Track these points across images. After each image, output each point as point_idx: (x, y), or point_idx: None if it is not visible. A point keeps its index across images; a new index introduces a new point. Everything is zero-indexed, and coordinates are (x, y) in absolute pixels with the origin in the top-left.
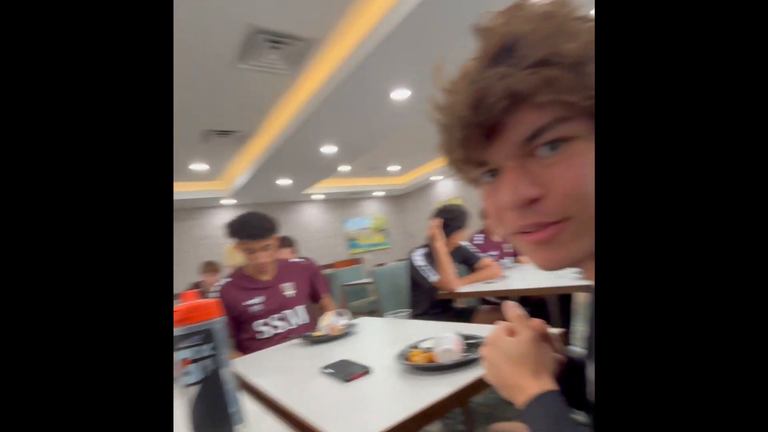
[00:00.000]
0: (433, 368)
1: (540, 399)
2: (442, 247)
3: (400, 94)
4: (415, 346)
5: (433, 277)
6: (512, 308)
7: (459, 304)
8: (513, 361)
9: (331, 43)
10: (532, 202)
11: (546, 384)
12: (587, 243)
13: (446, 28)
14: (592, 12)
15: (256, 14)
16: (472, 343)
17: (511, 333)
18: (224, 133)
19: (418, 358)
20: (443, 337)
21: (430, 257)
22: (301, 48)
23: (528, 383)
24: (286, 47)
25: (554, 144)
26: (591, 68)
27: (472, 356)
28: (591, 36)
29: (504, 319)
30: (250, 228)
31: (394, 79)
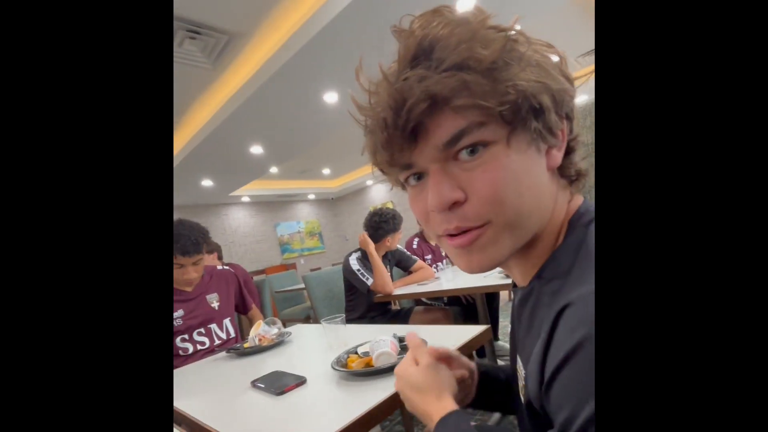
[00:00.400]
0: (371, 373)
1: (443, 422)
2: (374, 252)
3: (331, 97)
4: (352, 352)
5: (368, 281)
6: (411, 338)
7: (395, 306)
8: (417, 390)
9: (256, 40)
10: (455, 205)
11: (447, 405)
12: (506, 246)
13: (375, 30)
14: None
15: None
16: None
17: (416, 362)
18: None
19: (356, 364)
20: (379, 340)
21: (365, 261)
22: (223, 42)
23: (433, 408)
24: (205, 38)
25: (474, 148)
26: (504, 75)
27: None
28: (503, 44)
29: (438, 320)
30: (184, 243)
31: (323, 81)
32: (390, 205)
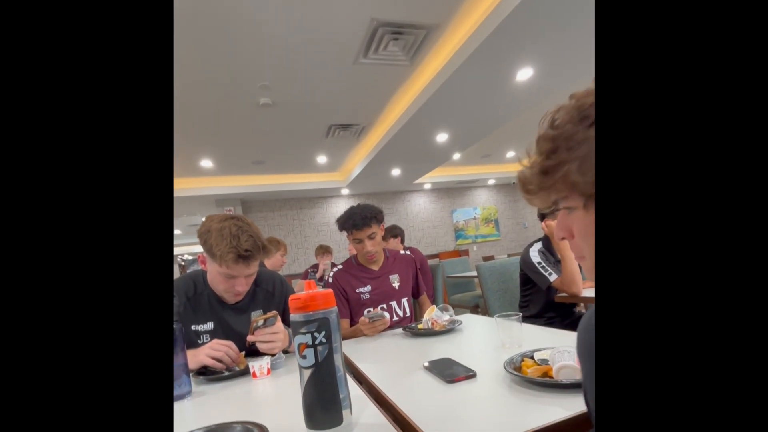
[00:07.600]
0: (549, 385)
1: None
2: (567, 242)
3: (524, 74)
4: (528, 356)
5: (551, 276)
6: None
7: (580, 308)
8: None
9: (451, 28)
10: None
11: None
12: None
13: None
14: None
15: (380, 7)
16: None
17: None
18: (345, 126)
19: (531, 371)
20: (563, 350)
21: (547, 254)
22: (421, 37)
23: None
24: (406, 37)
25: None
26: None
27: None
28: None
29: None
30: (354, 219)
31: (518, 58)
32: None
